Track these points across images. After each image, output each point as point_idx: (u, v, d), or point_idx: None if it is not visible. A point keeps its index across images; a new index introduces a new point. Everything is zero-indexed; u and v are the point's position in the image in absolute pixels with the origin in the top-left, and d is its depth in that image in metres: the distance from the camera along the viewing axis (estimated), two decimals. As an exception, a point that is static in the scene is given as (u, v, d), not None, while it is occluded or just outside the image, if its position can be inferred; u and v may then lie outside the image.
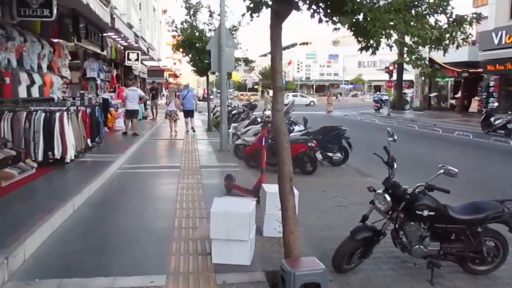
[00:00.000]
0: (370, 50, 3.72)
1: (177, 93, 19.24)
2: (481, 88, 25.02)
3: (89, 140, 9.27)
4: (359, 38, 3.67)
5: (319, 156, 8.94)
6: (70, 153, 7.72)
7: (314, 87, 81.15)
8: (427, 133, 17.93)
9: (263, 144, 6.27)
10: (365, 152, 11.36)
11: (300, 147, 8.76)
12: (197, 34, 15.05)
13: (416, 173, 6.75)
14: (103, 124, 11.05)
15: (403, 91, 35.94)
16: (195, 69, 16.67)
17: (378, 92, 49.37)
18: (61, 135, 7.53)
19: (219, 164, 9.51)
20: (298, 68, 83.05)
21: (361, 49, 3.74)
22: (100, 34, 13.32)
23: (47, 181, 6.75)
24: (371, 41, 3.58)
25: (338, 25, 3.73)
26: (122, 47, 18.01)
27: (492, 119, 17.49)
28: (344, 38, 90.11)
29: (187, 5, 15.27)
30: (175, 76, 53.16)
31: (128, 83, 18.62)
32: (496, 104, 21.37)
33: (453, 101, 30.04)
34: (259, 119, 11.16)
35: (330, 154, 9.78)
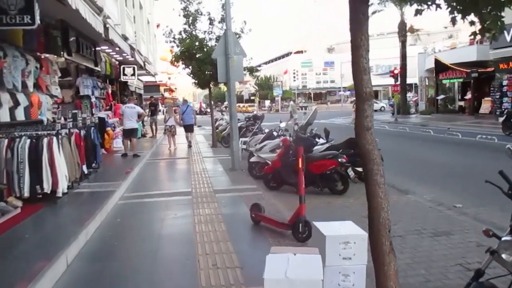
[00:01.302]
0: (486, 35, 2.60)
1: (174, 108, 18.60)
2: (493, 88, 23.94)
3: (84, 167, 8.09)
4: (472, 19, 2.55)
5: (351, 173, 7.87)
6: (63, 186, 6.48)
7: (312, 95, 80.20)
8: (446, 139, 16.76)
9: (300, 166, 5.07)
10: (390, 164, 10.23)
11: (329, 164, 7.64)
12: (197, 44, 13.99)
13: (468, 191, 5.36)
14: (100, 146, 9.84)
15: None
16: (196, 81, 15.59)
17: (392, 97, 48.24)
18: (50, 165, 6.29)
19: (234, 187, 8.32)
20: (294, 77, 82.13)
21: (475, 34, 2.61)
22: (93, 48, 12.22)
23: (34, 225, 5.46)
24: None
25: (424, 6, 2.67)
26: (117, 62, 16.85)
27: (514, 120, 16.48)
28: (338, 45, 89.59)
29: (186, 13, 14.18)
30: (171, 90, 52.16)
31: (124, 100, 17.45)
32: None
33: (461, 103, 29.01)
34: (275, 133, 9.95)
35: (359, 169, 8.63)
